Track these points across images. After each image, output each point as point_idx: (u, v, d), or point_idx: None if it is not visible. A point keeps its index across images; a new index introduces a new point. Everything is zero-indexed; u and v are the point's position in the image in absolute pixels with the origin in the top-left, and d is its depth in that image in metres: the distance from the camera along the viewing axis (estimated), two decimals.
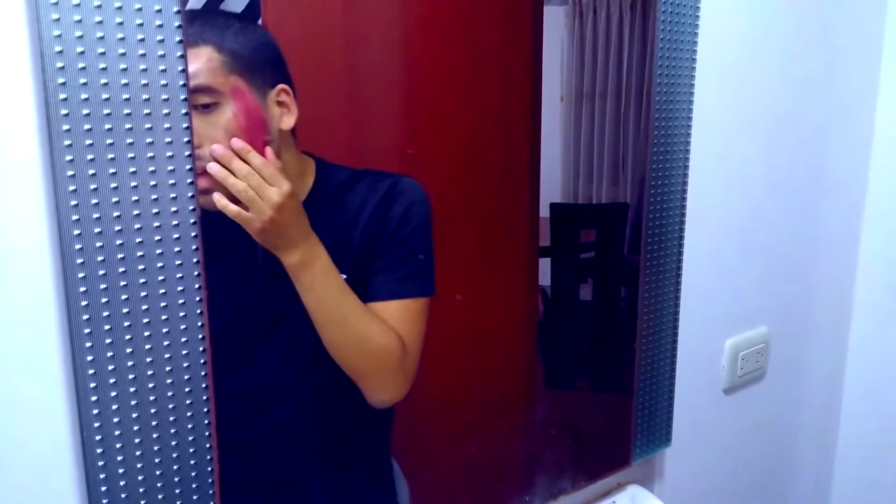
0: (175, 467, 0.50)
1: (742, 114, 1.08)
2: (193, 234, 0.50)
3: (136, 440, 0.49)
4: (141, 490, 0.49)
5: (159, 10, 0.47)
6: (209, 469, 0.52)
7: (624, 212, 1.00)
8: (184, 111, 0.49)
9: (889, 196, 1.23)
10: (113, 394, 0.48)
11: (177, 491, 0.50)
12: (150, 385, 0.49)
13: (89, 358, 0.47)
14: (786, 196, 1.20)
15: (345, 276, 0.68)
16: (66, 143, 0.45)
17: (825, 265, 1.29)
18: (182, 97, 0.49)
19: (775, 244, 1.20)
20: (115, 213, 0.47)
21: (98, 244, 0.46)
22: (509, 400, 0.93)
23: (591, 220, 1.03)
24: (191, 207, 0.50)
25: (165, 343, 0.50)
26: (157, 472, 0.50)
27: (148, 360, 0.49)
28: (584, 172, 1.03)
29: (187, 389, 0.51)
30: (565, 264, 0.99)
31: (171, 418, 0.50)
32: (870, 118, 1.21)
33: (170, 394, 0.50)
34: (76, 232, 0.46)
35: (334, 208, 0.69)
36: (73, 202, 0.45)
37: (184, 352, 0.50)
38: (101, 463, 0.47)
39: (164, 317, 0.49)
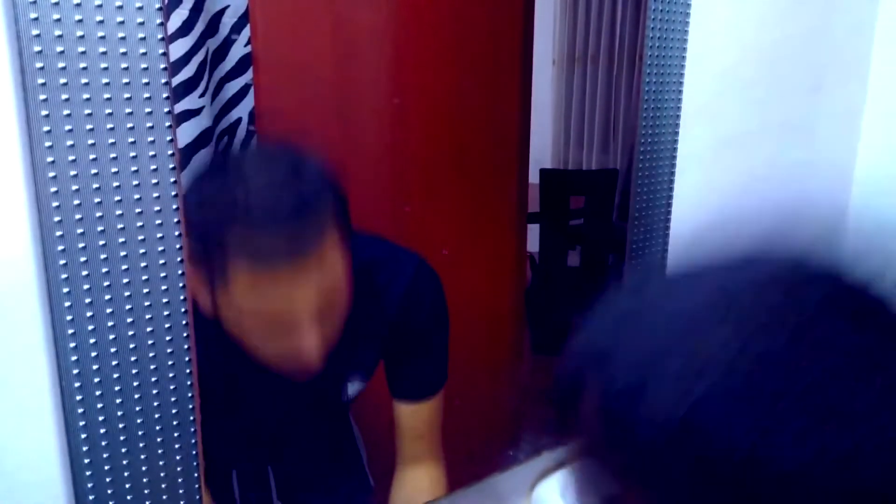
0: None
1: (735, 81, 1.07)
2: (175, 206, 0.51)
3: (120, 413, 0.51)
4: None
5: None
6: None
7: (614, 178, 1.01)
8: (165, 95, 0.49)
9: (879, 164, 1.23)
10: (95, 366, 0.50)
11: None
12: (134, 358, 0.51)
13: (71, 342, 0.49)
14: (777, 161, 1.20)
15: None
16: (46, 128, 0.46)
17: (814, 231, 1.30)
18: (163, 81, 0.49)
19: (764, 210, 1.20)
20: (97, 200, 0.48)
21: (80, 231, 0.48)
22: (495, 361, 0.96)
23: (581, 187, 1.03)
24: (173, 193, 0.51)
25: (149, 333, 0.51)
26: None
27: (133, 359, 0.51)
28: (574, 138, 1.03)
29: (171, 374, 0.53)
30: (554, 231, 1.00)
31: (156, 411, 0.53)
32: (862, 86, 1.20)
33: (154, 379, 0.52)
34: (55, 204, 0.47)
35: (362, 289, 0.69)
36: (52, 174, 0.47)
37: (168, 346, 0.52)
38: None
39: (147, 304, 0.51)
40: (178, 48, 0.78)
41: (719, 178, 1.10)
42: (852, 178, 1.24)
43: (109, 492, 0.52)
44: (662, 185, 0.95)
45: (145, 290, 0.51)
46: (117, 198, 0.49)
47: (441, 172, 0.89)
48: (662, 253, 1.00)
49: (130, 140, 0.49)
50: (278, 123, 0.85)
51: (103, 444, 0.51)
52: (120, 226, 0.49)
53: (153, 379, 0.52)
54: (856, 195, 1.25)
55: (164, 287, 0.52)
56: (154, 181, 0.50)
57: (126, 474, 0.52)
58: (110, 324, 0.50)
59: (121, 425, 0.52)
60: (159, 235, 0.51)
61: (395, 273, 0.72)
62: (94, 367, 0.50)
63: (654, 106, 0.89)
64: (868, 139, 1.22)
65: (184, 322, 0.53)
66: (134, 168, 0.49)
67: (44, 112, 0.46)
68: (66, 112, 0.46)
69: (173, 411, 0.54)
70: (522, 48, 0.95)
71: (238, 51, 0.88)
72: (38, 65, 0.45)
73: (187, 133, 0.82)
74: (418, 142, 0.86)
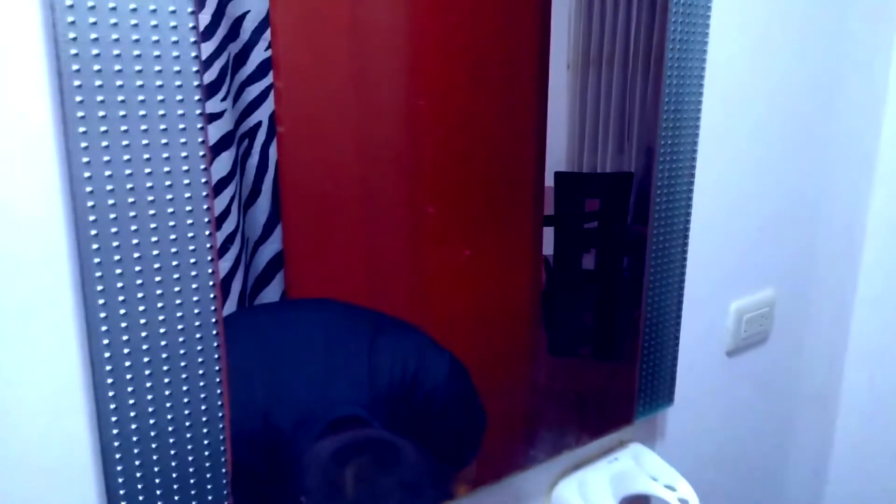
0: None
1: (752, 79, 1.07)
2: (206, 206, 0.52)
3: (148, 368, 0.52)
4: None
5: None
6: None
7: (629, 181, 1.01)
8: (195, 82, 0.50)
9: None
10: (123, 324, 0.51)
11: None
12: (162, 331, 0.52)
13: (100, 301, 0.50)
14: (794, 162, 1.20)
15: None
16: (81, 120, 0.47)
17: (832, 230, 1.30)
18: (195, 82, 0.50)
19: (783, 209, 1.21)
20: (129, 186, 0.49)
21: (112, 216, 0.49)
22: (512, 362, 0.96)
23: (596, 190, 1.03)
24: (203, 180, 0.52)
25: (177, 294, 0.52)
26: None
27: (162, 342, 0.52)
28: (589, 141, 1.03)
29: (198, 336, 0.54)
30: (569, 233, 1.00)
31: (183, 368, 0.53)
32: (883, 81, 1.20)
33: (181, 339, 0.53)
34: (90, 203, 0.48)
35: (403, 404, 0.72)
36: (87, 174, 0.47)
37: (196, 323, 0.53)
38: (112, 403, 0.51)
39: (177, 295, 0.52)
40: (201, 52, 0.79)
41: (739, 179, 1.11)
42: (873, 177, 1.24)
43: (138, 471, 0.52)
44: (682, 189, 0.96)
45: (176, 289, 0.52)
46: (150, 197, 0.50)
47: (462, 175, 0.89)
48: (682, 256, 1.00)
49: (163, 141, 0.50)
50: (299, 126, 0.86)
51: (132, 414, 0.52)
52: (153, 225, 0.50)
53: (183, 376, 0.53)
54: (876, 194, 1.25)
55: (194, 285, 0.53)
56: (186, 181, 0.51)
57: (155, 457, 0.53)
58: (143, 321, 0.51)
59: (150, 420, 0.52)
60: (190, 234, 0.52)
61: (431, 389, 0.75)
62: (128, 376, 0.51)
63: (674, 108, 0.90)
64: (889, 136, 1.22)
65: (213, 320, 0.54)
66: (167, 168, 0.50)
67: (80, 113, 0.47)
68: (101, 113, 0.47)
69: (201, 395, 0.55)
70: (539, 52, 0.95)
71: (259, 55, 0.89)
72: (75, 66, 0.46)
73: (209, 136, 0.82)
74: (439, 145, 0.87)
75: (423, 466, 0.65)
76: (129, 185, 0.49)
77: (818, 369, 1.37)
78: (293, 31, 0.86)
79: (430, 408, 0.75)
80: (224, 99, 0.90)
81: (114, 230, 0.49)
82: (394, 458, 0.63)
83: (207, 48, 0.87)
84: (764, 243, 1.19)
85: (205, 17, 0.85)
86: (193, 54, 0.50)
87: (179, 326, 0.52)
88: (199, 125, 0.51)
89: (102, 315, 0.49)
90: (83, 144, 0.47)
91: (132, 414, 0.51)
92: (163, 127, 0.49)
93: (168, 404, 0.53)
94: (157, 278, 0.51)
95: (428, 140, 0.88)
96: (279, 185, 0.94)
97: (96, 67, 0.47)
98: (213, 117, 0.89)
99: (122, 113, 0.48)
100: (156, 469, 0.53)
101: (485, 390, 0.85)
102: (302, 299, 0.72)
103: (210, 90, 0.87)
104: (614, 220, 1.04)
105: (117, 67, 0.47)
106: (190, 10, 0.49)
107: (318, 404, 0.65)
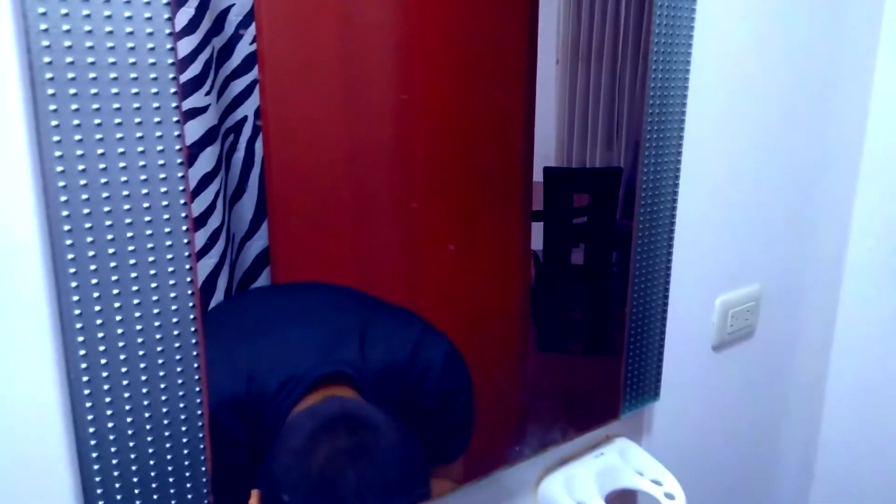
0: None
1: (740, 75, 1.07)
2: (182, 201, 0.51)
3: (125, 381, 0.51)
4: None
5: None
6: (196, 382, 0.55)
7: (618, 176, 1.01)
8: (173, 90, 0.49)
9: (885, 157, 1.23)
10: (101, 343, 0.50)
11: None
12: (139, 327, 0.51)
13: (75, 298, 0.49)
14: (781, 157, 1.20)
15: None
16: (53, 113, 0.46)
17: (819, 225, 1.30)
18: (171, 76, 0.49)
19: (769, 204, 1.21)
20: (103, 180, 0.48)
21: (86, 211, 0.48)
22: (501, 358, 0.96)
23: (585, 185, 1.03)
24: (179, 174, 0.51)
25: (154, 310, 0.52)
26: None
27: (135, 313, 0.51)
28: (578, 136, 1.03)
29: (176, 343, 0.53)
30: (558, 228, 1.00)
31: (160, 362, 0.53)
32: (868, 80, 1.20)
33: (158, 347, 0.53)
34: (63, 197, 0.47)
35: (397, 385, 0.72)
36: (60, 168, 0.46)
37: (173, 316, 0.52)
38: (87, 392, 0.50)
39: (153, 284, 0.51)
40: (185, 46, 0.78)
41: (725, 174, 1.11)
42: (859, 173, 1.24)
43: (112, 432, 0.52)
44: (668, 183, 0.95)
45: (153, 285, 0.51)
46: (125, 192, 0.49)
47: (447, 169, 0.89)
48: (667, 251, 1.00)
49: (138, 135, 0.49)
50: (284, 121, 0.85)
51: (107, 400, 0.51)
52: (128, 220, 0.49)
53: (160, 373, 0.53)
54: (862, 190, 1.25)
55: (171, 282, 0.52)
56: (162, 176, 0.50)
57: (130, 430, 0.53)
58: (119, 318, 0.50)
59: (128, 418, 0.52)
60: (167, 230, 0.51)
61: (426, 366, 0.74)
62: (104, 374, 0.50)
63: (659, 102, 0.89)
64: (875, 134, 1.22)
65: (192, 317, 0.53)
66: (142, 163, 0.49)
67: (52, 107, 0.46)
68: (74, 107, 0.46)
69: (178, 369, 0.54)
70: (527, 47, 0.95)
71: (244, 49, 0.88)
72: (47, 59, 0.45)
73: (194, 131, 0.81)
74: (425, 139, 0.86)
75: (409, 456, 0.61)
76: (103, 180, 0.48)
77: (804, 363, 1.37)
78: (279, 24, 0.85)
79: (424, 389, 0.73)
80: (208, 93, 0.89)
81: (87, 225, 0.48)
82: (375, 446, 0.59)
83: (191, 42, 0.86)
84: (750, 238, 1.19)
85: (188, 11, 0.84)
86: (169, 46, 0.49)
87: (157, 323, 0.52)
88: (176, 119, 0.50)
89: (77, 312, 0.48)
90: (56, 138, 0.46)
91: (108, 412, 0.50)
92: (137, 120, 0.49)
93: (146, 402, 0.52)
94: (133, 274, 0.50)
95: (416, 135, 0.88)
96: (265, 181, 0.93)
97: (69, 59, 0.46)
98: (197, 112, 0.88)
99: (95, 106, 0.47)
100: (133, 468, 0.52)
101: (474, 387, 0.85)
102: (297, 282, 0.72)
103: (194, 84, 0.86)
104: (603, 215, 1.04)
105: (90, 59, 0.46)
106: (165, 1, 0.48)
107: (304, 363, 0.64)
